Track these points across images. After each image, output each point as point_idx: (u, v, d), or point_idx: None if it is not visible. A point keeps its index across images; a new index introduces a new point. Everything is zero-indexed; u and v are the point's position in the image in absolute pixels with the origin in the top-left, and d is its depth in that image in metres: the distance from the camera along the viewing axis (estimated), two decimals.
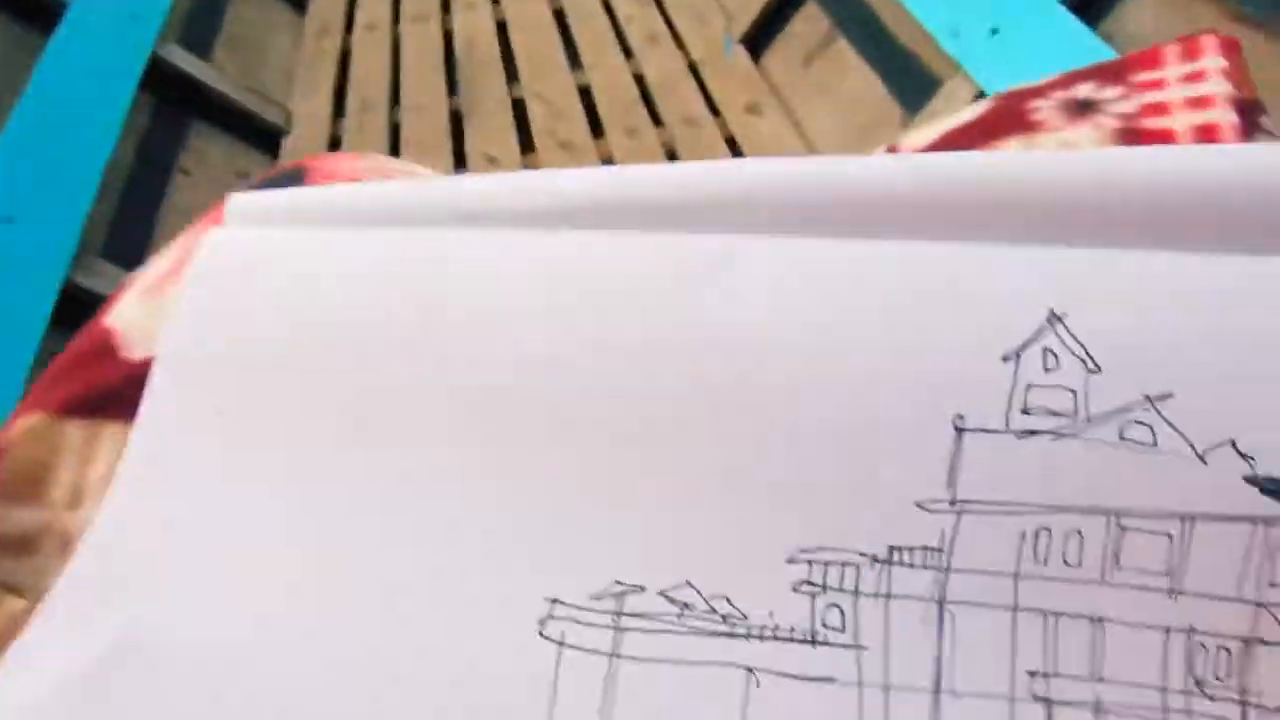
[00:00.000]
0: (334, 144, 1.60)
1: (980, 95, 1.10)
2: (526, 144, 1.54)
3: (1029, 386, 0.27)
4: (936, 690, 0.27)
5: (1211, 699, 0.26)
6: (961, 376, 0.27)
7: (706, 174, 0.31)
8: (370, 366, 0.31)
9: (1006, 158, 0.29)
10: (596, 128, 1.54)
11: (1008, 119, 0.38)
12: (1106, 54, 0.95)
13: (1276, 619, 0.26)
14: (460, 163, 1.52)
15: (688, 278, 0.30)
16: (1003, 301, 0.28)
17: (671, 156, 1.47)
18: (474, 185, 0.33)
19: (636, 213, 0.31)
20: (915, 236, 0.29)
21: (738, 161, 0.31)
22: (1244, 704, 0.26)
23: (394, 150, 1.57)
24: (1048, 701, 0.27)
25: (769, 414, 0.29)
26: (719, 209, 0.30)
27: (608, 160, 1.48)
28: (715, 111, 1.52)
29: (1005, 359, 0.27)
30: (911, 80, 1.24)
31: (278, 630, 0.30)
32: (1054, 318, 0.27)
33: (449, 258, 0.32)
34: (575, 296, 0.30)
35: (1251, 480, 0.25)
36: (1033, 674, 0.27)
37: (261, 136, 1.60)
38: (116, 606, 0.32)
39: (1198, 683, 0.26)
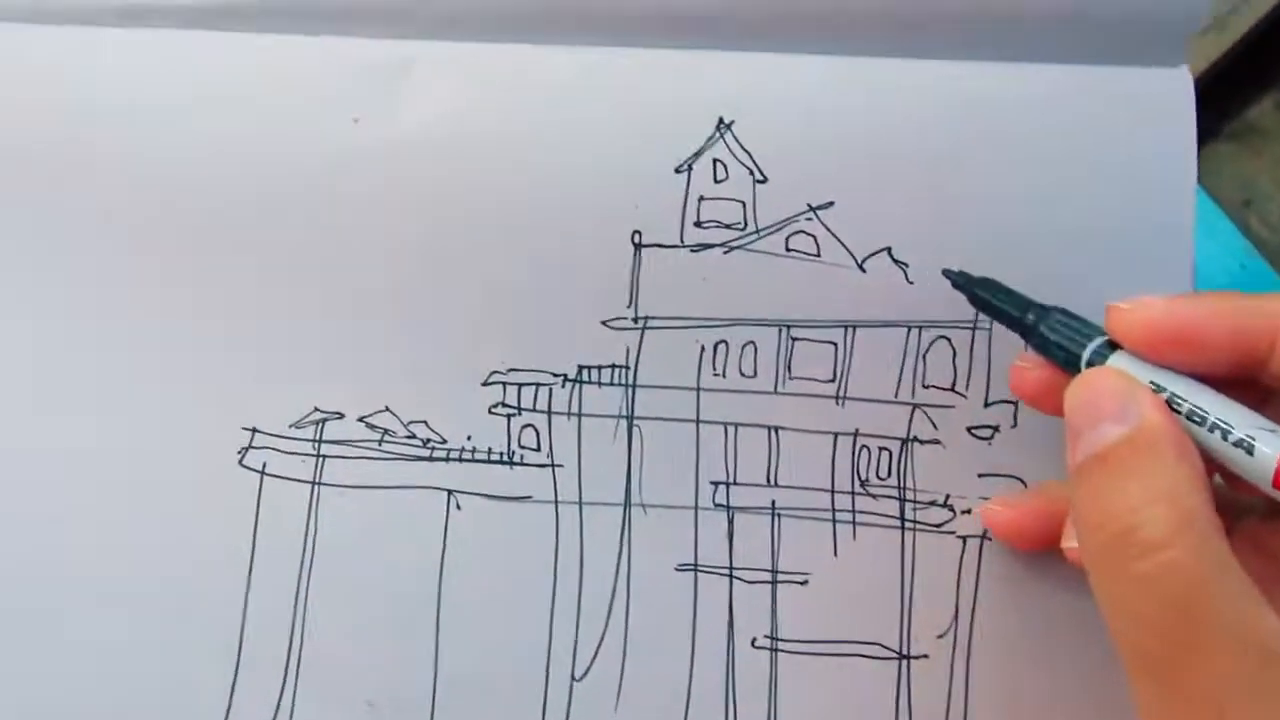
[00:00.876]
0: None
1: None
2: None
3: (700, 199, 0.28)
4: (627, 503, 0.28)
5: (874, 496, 0.28)
6: (637, 190, 0.28)
7: None
8: (44, 184, 0.29)
9: None
10: None
11: None
12: None
13: (929, 419, 0.28)
14: None
15: (364, 83, 0.28)
16: (673, 110, 0.28)
17: None
18: None
19: (312, 15, 0.30)
20: (591, 41, 0.29)
21: None
22: (902, 500, 0.28)
23: None
24: (729, 508, 0.28)
25: (452, 232, 0.29)
26: (397, 13, 0.29)
27: None
28: None
29: (678, 170, 0.28)
30: None
31: None
32: (722, 125, 0.28)
33: (120, 61, 0.30)
34: (250, 104, 0.29)
35: (946, 274, 0.27)
36: (715, 484, 0.28)
37: None
38: None
39: (862, 482, 0.28)
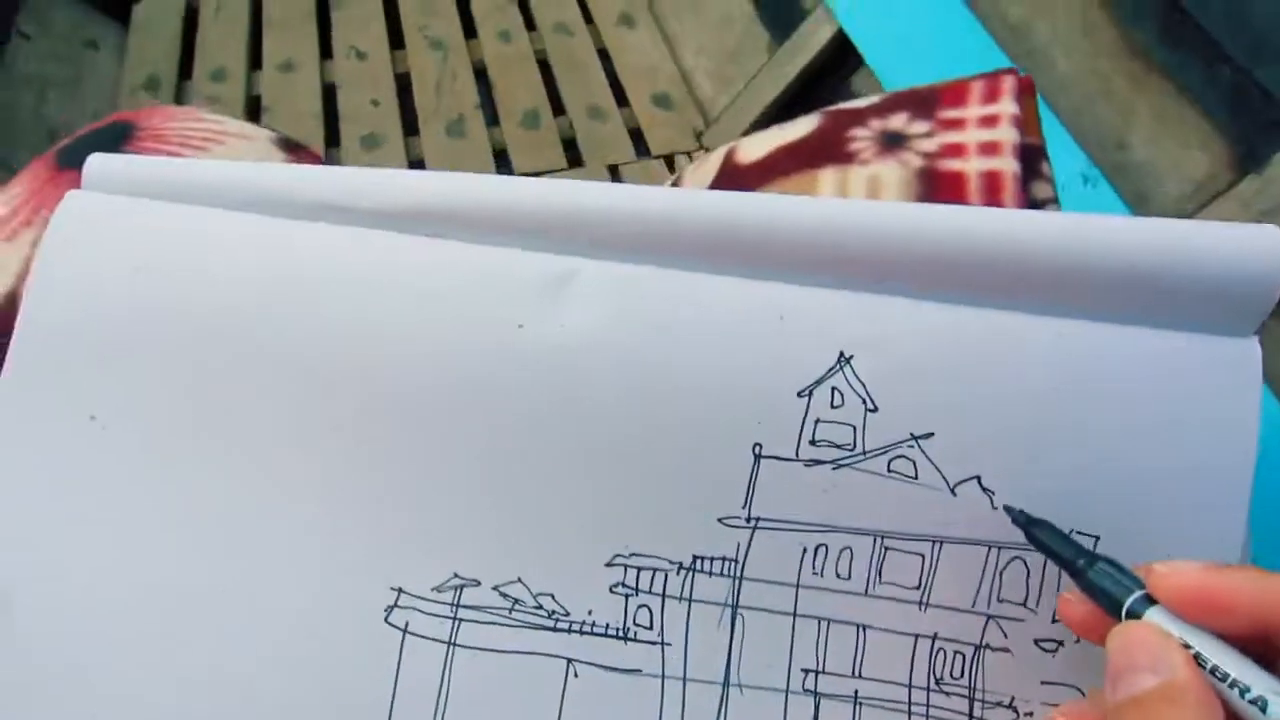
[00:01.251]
0: (189, 18, 1.53)
1: (840, 33, 1.14)
2: (396, 39, 1.50)
3: (818, 421, 0.32)
4: (726, 683, 0.32)
5: (946, 694, 0.32)
6: (763, 408, 0.32)
7: (558, 192, 0.33)
8: (224, 355, 0.33)
9: (813, 204, 0.33)
10: (469, 28, 1.52)
11: (828, 146, 0.42)
12: (970, 24, 0.99)
13: (1001, 629, 0.32)
14: (325, 52, 1.48)
15: (529, 294, 0.33)
16: (802, 341, 0.32)
17: (543, 64, 1.47)
18: (333, 177, 0.34)
19: (488, 226, 0.33)
20: (733, 272, 0.33)
21: (587, 184, 0.33)
22: (971, 699, 0.32)
23: (255, 30, 1.51)
24: (816, 694, 0.32)
25: (596, 430, 0.33)
26: (564, 228, 0.33)
27: (479, 62, 1.46)
28: (589, 20, 1.51)
29: (800, 394, 0.32)
30: (780, 6, 1.27)
31: (137, 619, 0.33)
32: (843, 359, 0.32)
33: (304, 252, 0.34)
34: (423, 304, 0.33)
35: (1008, 511, 0.30)
36: (806, 671, 0.32)
37: (112, 2, 1.52)
38: None
39: (937, 681, 0.32)
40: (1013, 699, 0.32)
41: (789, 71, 1.22)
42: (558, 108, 1.41)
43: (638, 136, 1.38)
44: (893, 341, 0.32)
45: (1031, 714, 0.31)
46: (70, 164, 0.40)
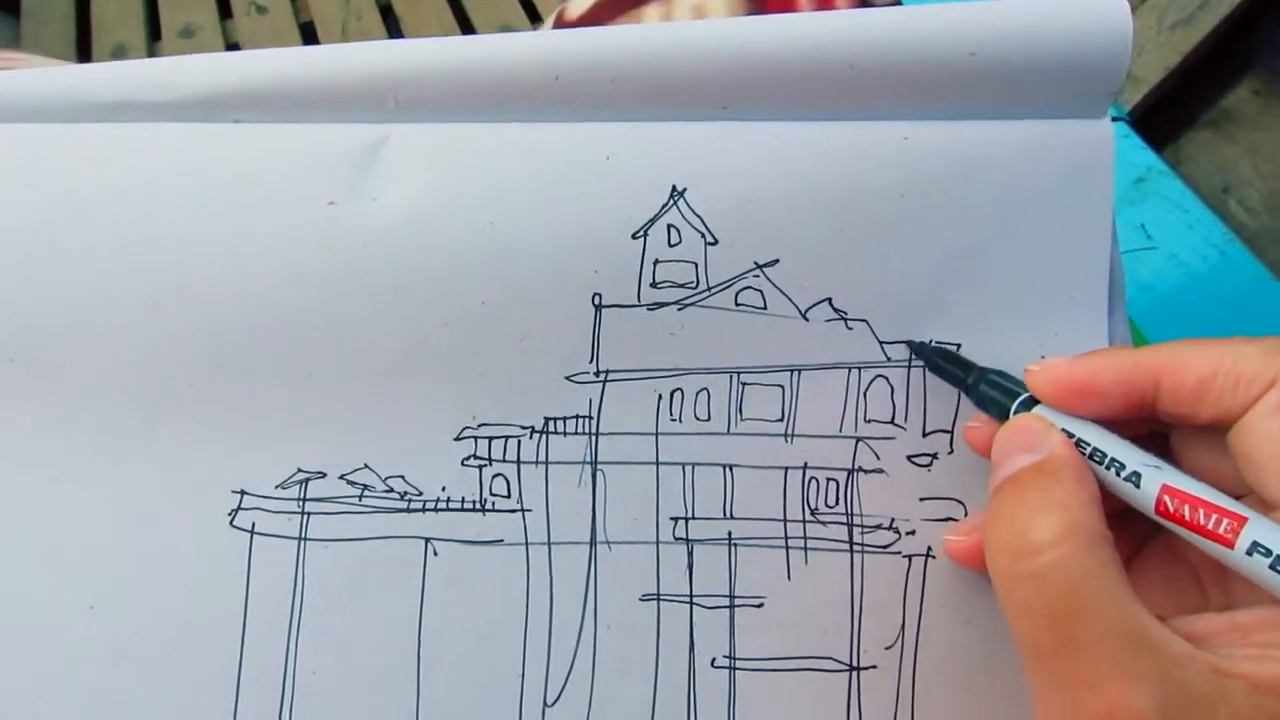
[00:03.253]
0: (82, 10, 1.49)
1: None
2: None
3: (656, 261, 0.30)
4: (593, 542, 0.31)
5: (823, 524, 0.30)
6: (597, 256, 0.30)
7: (356, 58, 0.31)
8: (26, 274, 0.31)
9: (629, 32, 0.31)
10: None
11: None
12: None
13: (872, 450, 0.30)
14: (225, 12, 1.44)
15: (336, 169, 0.31)
16: (631, 180, 0.30)
17: None
18: (121, 72, 0.32)
19: (286, 104, 0.31)
20: (555, 117, 0.31)
21: (386, 43, 0.31)
22: (850, 525, 0.30)
23: (151, 0, 1.47)
24: (688, 541, 0.31)
25: (428, 301, 0.31)
26: (369, 96, 0.31)
27: (384, 5, 1.42)
28: None
29: (635, 236, 0.30)
30: None
31: None
32: (675, 193, 0.30)
33: (96, 156, 0.31)
34: (226, 194, 0.31)
35: (909, 345, 0.30)
36: (675, 519, 0.31)
37: None
38: None
39: (812, 511, 0.30)
40: (893, 520, 0.30)
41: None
42: (469, 32, 1.37)
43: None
44: (726, 169, 0.30)
45: (914, 531, 0.30)
46: None
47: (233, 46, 1.38)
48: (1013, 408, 0.26)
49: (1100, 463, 0.24)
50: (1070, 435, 0.25)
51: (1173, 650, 0.20)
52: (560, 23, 0.41)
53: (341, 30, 1.37)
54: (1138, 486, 0.24)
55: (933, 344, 0.29)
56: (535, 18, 1.38)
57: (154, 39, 1.41)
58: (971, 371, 0.28)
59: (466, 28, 1.38)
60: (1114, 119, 0.30)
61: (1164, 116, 0.73)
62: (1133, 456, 0.24)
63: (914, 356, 0.30)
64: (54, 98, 0.31)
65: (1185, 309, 0.59)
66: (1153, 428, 0.27)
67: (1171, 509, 0.23)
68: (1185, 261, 0.59)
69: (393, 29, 1.38)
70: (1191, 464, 0.26)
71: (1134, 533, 0.27)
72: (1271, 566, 0.21)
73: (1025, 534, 0.22)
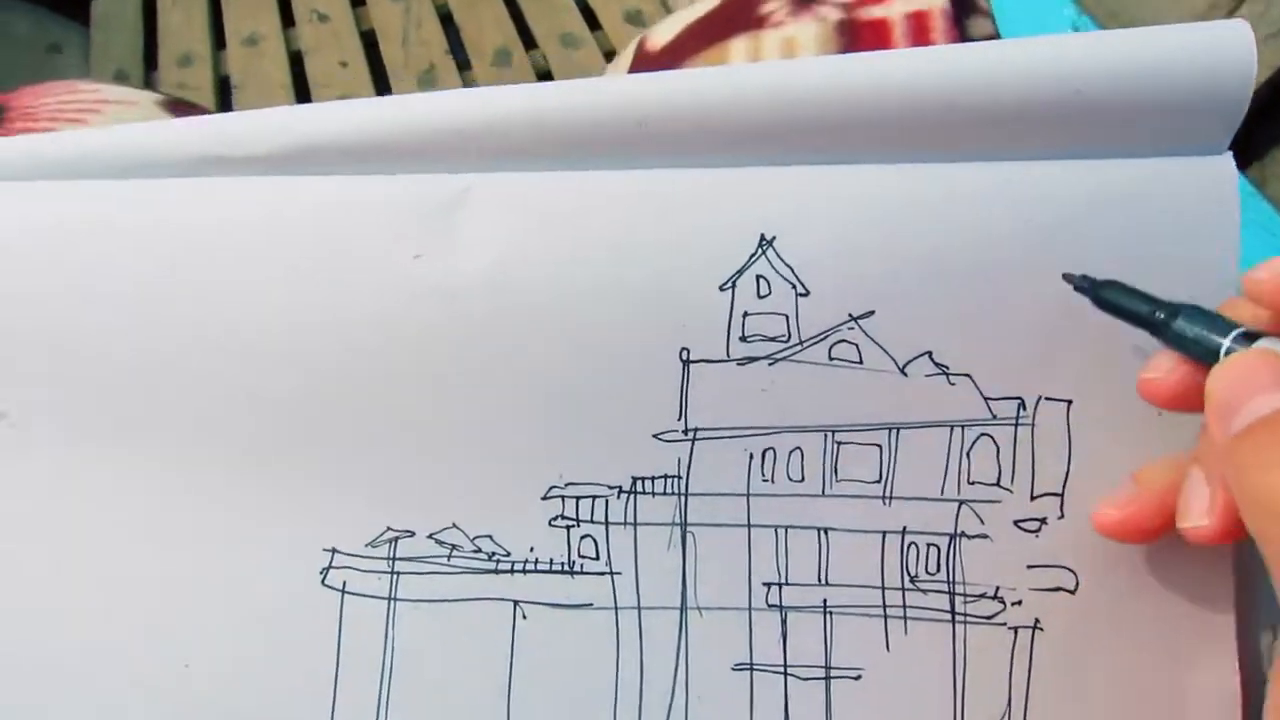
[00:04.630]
0: (149, 5, 1.50)
1: None
2: None
3: (745, 314, 0.29)
4: (683, 607, 0.29)
5: (924, 592, 0.29)
6: (685, 309, 0.29)
7: (440, 108, 0.30)
8: (124, 332, 0.31)
9: (715, 76, 0.30)
10: None
11: (737, 15, 0.38)
12: None
13: (976, 514, 0.29)
14: (288, 21, 1.45)
15: (422, 220, 0.30)
16: (717, 228, 0.29)
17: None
18: (206, 127, 0.32)
19: (371, 154, 0.31)
20: (640, 164, 0.30)
21: (470, 92, 0.30)
22: (951, 594, 0.29)
23: (215, 9, 1.48)
24: (781, 608, 0.29)
25: (513, 354, 0.30)
26: (452, 145, 0.30)
27: (443, 6, 1.42)
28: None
29: (722, 288, 0.29)
30: None
31: (74, 616, 0.31)
32: (765, 242, 0.29)
33: (184, 209, 0.31)
34: (315, 248, 0.30)
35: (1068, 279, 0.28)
36: (768, 585, 0.29)
37: (68, 2, 1.49)
38: None
39: (911, 578, 0.29)
40: (997, 589, 0.29)
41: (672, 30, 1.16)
42: (529, 41, 1.37)
43: (614, 59, 1.34)
44: (819, 215, 0.29)
45: (1020, 601, 0.29)
46: None
47: (295, 54, 1.39)
48: (1225, 343, 0.23)
49: None
50: None
51: None
52: (641, 53, 0.40)
53: (403, 38, 1.38)
54: None
55: (1101, 279, 0.26)
56: (595, 26, 1.38)
57: (219, 47, 1.42)
58: (1160, 306, 0.24)
59: (526, 36, 1.37)
60: None
61: (1248, 136, 0.71)
62: None
63: (1084, 295, 0.26)
64: (145, 154, 0.31)
65: None
66: None
67: None
68: None
69: (452, 37, 1.38)
70: None
71: None
72: None
73: None
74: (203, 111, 0.44)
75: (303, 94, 1.31)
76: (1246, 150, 0.74)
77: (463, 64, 1.32)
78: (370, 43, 1.36)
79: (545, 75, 1.31)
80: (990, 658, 0.29)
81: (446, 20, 1.37)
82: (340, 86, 1.28)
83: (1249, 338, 0.22)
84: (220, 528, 0.30)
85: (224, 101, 1.31)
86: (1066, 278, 0.27)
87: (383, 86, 1.31)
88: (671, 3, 1.32)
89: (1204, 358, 0.23)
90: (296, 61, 1.36)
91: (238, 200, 0.30)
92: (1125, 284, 0.25)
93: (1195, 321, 0.24)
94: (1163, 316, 0.24)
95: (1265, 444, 0.21)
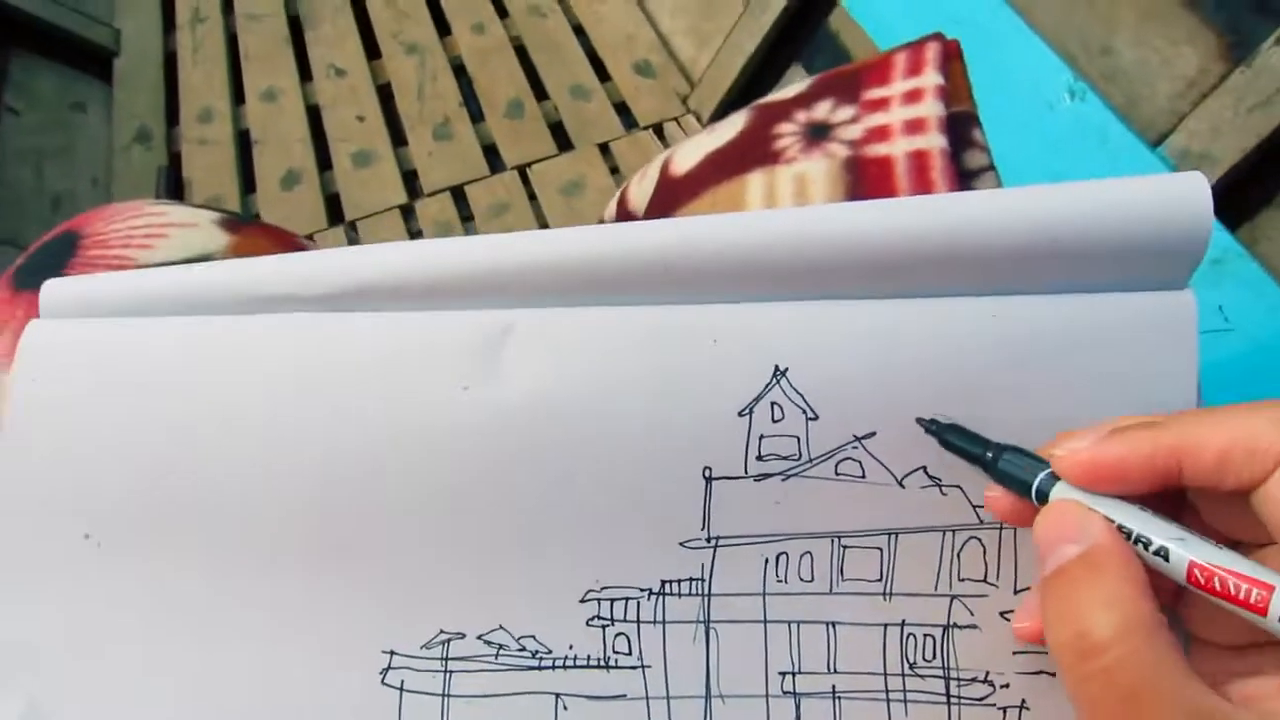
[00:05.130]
0: (169, 62, 1.55)
1: None
2: (372, 50, 1.51)
3: (761, 436, 0.33)
4: (708, 695, 0.33)
5: (922, 677, 0.33)
6: (707, 432, 0.33)
7: (483, 250, 0.34)
8: (197, 457, 0.35)
9: (734, 222, 0.33)
10: (442, 26, 1.52)
11: (754, 148, 0.42)
12: None
13: (966, 607, 0.33)
14: (305, 75, 1.50)
15: (470, 355, 0.35)
16: (736, 361, 0.33)
17: (520, 50, 1.47)
18: (264, 269, 0.35)
19: (420, 291, 0.35)
20: (667, 300, 0.34)
21: (513, 236, 0.34)
22: (946, 679, 0.33)
23: (234, 65, 1.53)
24: (796, 695, 0.33)
25: (553, 476, 0.34)
26: (495, 284, 0.34)
27: (456, 60, 1.46)
28: None
29: (741, 414, 0.33)
30: None
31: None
32: (778, 373, 0.33)
33: (254, 346, 0.35)
34: (372, 379, 0.34)
35: (919, 422, 0.32)
36: (783, 674, 0.33)
37: (92, 61, 1.54)
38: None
39: (911, 665, 0.33)
40: (987, 673, 0.33)
41: (765, 21, 1.21)
42: (540, 92, 1.41)
43: (624, 110, 1.38)
44: (825, 348, 0.32)
45: (1008, 685, 0.32)
46: (26, 285, 0.41)
47: (313, 108, 1.43)
48: (1034, 483, 0.27)
49: (1128, 538, 0.25)
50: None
51: None
52: (666, 175, 0.43)
53: (418, 92, 1.42)
54: (1167, 560, 0.25)
55: (946, 421, 0.30)
56: (604, 77, 1.42)
57: (238, 102, 1.46)
58: (990, 448, 0.29)
59: (537, 87, 1.41)
60: None
61: (1240, 198, 0.74)
62: (1159, 531, 0.25)
63: (932, 436, 0.31)
64: (215, 293, 0.35)
65: (1264, 392, 0.60)
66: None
67: (1202, 581, 0.24)
68: (1264, 343, 0.60)
69: (465, 89, 1.42)
70: (1212, 516, 0.27)
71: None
72: None
73: (1087, 634, 0.23)
74: (261, 229, 0.48)
75: (321, 147, 1.35)
76: (1239, 212, 0.78)
77: (476, 115, 1.36)
78: (386, 96, 1.40)
79: (556, 126, 1.35)
80: None
81: (460, 73, 1.42)
82: (357, 140, 1.33)
83: (1052, 479, 0.27)
84: (292, 635, 0.34)
85: (244, 154, 1.36)
86: (919, 421, 0.31)
87: (399, 139, 1.35)
88: (677, 52, 1.36)
89: (1023, 492, 0.28)
90: (314, 115, 1.40)
91: (304, 336, 0.34)
92: (964, 428, 0.30)
93: (1012, 465, 0.28)
94: (989, 456, 0.29)
95: (1059, 594, 0.25)
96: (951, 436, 0.31)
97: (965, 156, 0.39)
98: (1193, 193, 0.30)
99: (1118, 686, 0.23)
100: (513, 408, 0.33)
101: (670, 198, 0.43)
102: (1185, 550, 0.25)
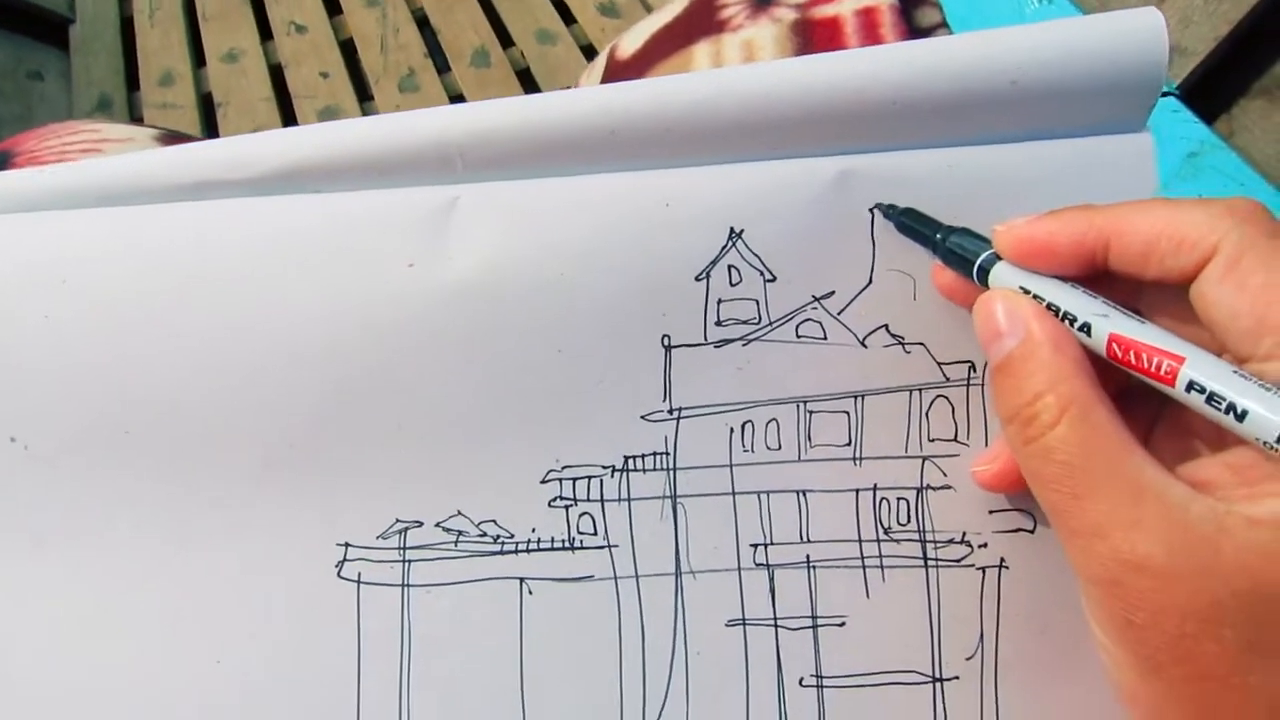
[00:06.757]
0: (126, 29, 1.52)
1: None
2: (333, 6, 1.49)
3: (719, 300, 0.32)
4: (678, 572, 0.32)
5: (897, 541, 0.32)
6: (664, 300, 0.32)
7: (424, 125, 0.33)
8: (133, 352, 0.33)
9: (678, 83, 0.32)
10: None
11: (699, 20, 0.41)
12: None
13: (938, 468, 0.32)
14: (266, 34, 1.47)
15: (413, 231, 0.32)
16: (691, 225, 0.32)
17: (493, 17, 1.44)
18: (198, 154, 0.34)
19: (360, 171, 0.33)
20: (615, 168, 0.32)
21: (452, 108, 0.32)
22: (923, 541, 0.32)
23: (193, 27, 1.50)
24: (768, 566, 0.32)
25: (506, 352, 0.32)
26: (437, 159, 0.33)
27: (419, 11, 1.44)
28: None
29: (698, 279, 0.31)
30: None
31: (95, 622, 0.34)
32: (734, 234, 0.31)
33: (185, 232, 0.33)
34: (315, 261, 0.33)
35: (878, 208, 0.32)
36: (754, 545, 0.32)
37: (47, 29, 1.51)
38: None
39: (885, 530, 0.32)
40: (964, 534, 0.32)
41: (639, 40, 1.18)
42: (506, 39, 1.39)
43: (591, 52, 1.36)
44: (780, 207, 0.31)
45: (985, 544, 0.32)
46: None
47: (275, 68, 1.41)
48: (977, 262, 0.28)
49: (1056, 315, 0.26)
50: (1027, 291, 0.27)
51: (1174, 496, 0.22)
52: (612, 61, 0.42)
53: (380, 45, 1.40)
54: (1089, 335, 0.25)
55: (901, 207, 0.30)
56: (570, 20, 1.40)
57: (199, 65, 1.44)
58: (939, 229, 0.29)
59: (503, 35, 1.39)
60: (1164, 94, 0.31)
61: (1215, 88, 0.73)
62: (1084, 307, 0.25)
63: (889, 220, 0.31)
64: (143, 181, 0.33)
65: None
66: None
67: (1119, 354, 0.25)
68: None
69: (430, 41, 1.40)
70: (1164, 321, 0.27)
71: (1146, 411, 0.28)
72: (1208, 402, 0.23)
73: (1031, 418, 0.25)
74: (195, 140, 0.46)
75: (285, 106, 1.33)
76: (1214, 105, 0.76)
77: (442, 66, 1.34)
78: (349, 51, 1.38)
79: (523, 73, 1.33)
80: (962, 597, 0.31)
81: (423, 24, 1.39)
82: (323, 97, 1.30)
83: (994, 258, 0.28)
84: (238, 530, 0.33)
85: (209, 118, 1.33)
86: (876, 206, 0.31)
87: (364, 94, 1.33)
88: None
89: (966, 272, 0.29)
90: (277, 74, 1.38)
91: (238, 222, 0.33)
92: (920, 211, 0.30)
93: (960, 244, 0.29)
94: (939, 236, 0.29)
95: (1003, 386, 0.26)
96: (907, 219, 0.31)
97: (917, 14, 0.38)
98: (1147, 28, 0.29)
99: (1056, 462, 0.24)
100: (461, 283, 0.31)
101: (617, 81, 0.42)
102: (1107, 324, 0.25)
